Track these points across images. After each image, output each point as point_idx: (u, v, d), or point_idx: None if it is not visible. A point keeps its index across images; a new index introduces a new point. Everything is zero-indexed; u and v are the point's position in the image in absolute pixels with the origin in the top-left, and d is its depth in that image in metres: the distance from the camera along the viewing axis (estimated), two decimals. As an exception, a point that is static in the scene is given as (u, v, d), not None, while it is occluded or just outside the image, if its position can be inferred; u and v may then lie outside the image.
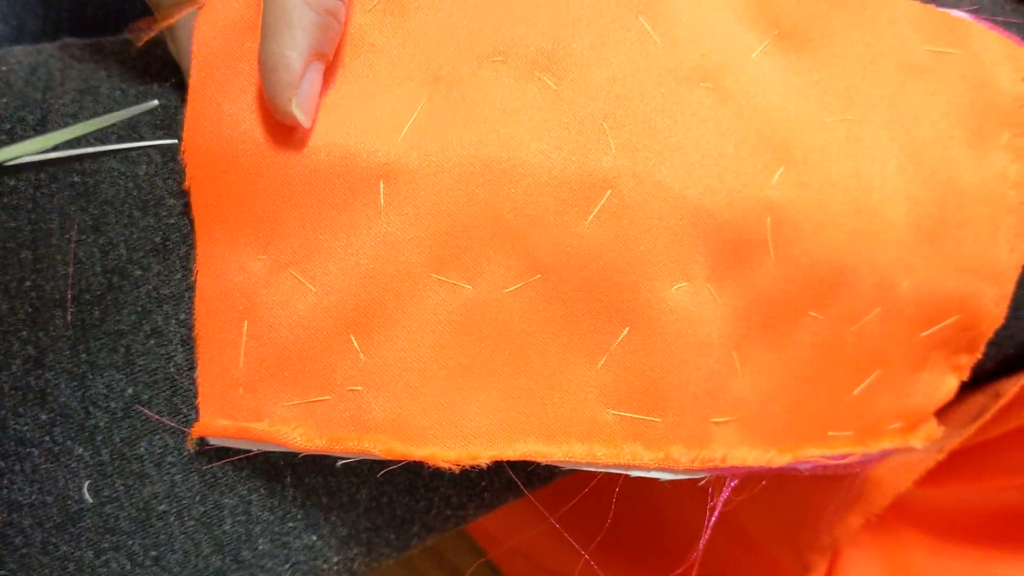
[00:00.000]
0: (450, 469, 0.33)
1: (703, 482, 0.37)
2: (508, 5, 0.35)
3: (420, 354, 0.33)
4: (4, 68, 0.38)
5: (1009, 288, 0.41)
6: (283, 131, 0.33)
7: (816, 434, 0.39)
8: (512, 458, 0.34)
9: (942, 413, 0.48)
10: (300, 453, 0.36)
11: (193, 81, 0.35)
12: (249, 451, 0.35)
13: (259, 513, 0.36)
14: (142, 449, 0.35)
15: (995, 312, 0.41)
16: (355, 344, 0.33)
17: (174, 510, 0.35)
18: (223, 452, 0.35)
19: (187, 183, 0.34)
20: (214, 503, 0.35)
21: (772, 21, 0.37)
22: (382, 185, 0.33)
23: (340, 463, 0.36)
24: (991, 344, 0.43)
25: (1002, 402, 0.45)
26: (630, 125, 0.33)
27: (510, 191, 0.33)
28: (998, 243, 0.40)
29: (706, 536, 0.38)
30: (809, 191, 0.35)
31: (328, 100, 0.34)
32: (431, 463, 0.33)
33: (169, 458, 0.35)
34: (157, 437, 0.35)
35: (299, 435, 0.33)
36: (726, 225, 0.34)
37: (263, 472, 0.36)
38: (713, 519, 0.38)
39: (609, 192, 0.33)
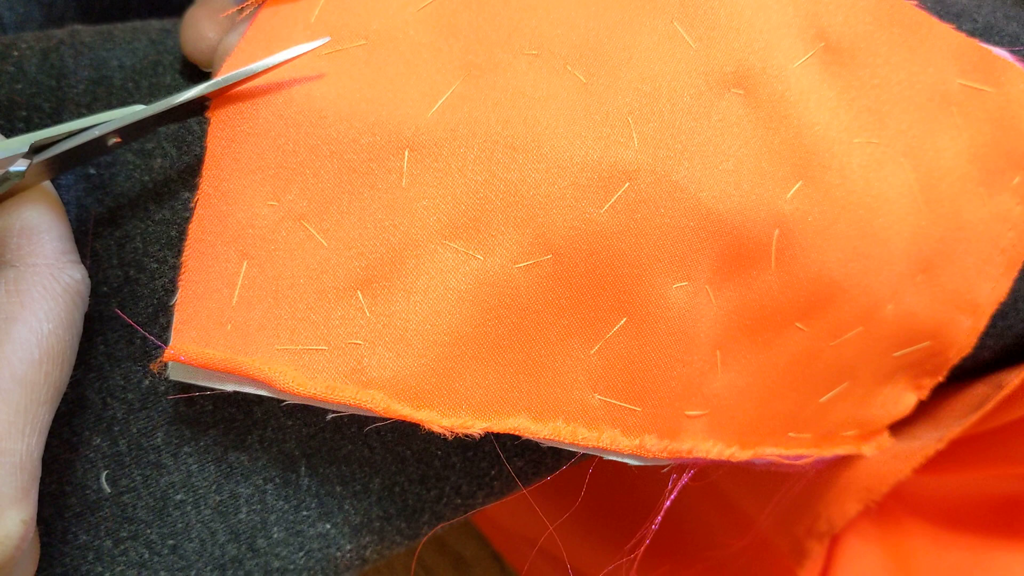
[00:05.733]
0: (443, 435, 0.33)
1: (666, 469, 0.39)
2: (549, 9, 0.35)
3: (425, 317, 0.33)
4: (16, 54, 0.38)
5: (983, 322, 0.42)
6: (313, 96, 0.34)
7: (777, 434, 0.40)
8: (502, 431, 0.34)
9: (943, 404, 0.48)
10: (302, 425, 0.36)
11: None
12: (222, 389, 0.34)
13: (274, 502, 0.36)
14: (159, 439, 0.35)
15: (965, 342, 0.42)
16: (361, 300, 0.33)
17: (191, 499, 0.35)
18: (190, 389, 0.34)
19: (209, 112, 0.34)
20: (230, 492, 0.36)
21: (820, 33, 0.37)
22: (407, 154, 0.33)
23: (330, 416, 0.36)
24: (990, 335, 0.44)
25: (1004, 393, 0.45)
26: (655, 122, 0.34)
27: (530, 171, 0.33)
28: (984, 279, 0.41)
29: (659, 518, 0.40)
30: (821, 209, 0.36)
31: (362, 80, 0.34)
32: (427, 426, 0.33)
33: (186, 448, 0.35)
34: (174, 428, 0.35)
35: (291, 378, 0.33)
36: (734, 231, 0.34)
37: (278, 462, 0.36)
38: (668, 503, 0.39)
39: (627, 184, 0.33)
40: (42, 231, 0.32)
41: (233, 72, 0.33)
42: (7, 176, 0.32)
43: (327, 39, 0.34)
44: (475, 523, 0.72)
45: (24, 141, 0.32)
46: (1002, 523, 0.56)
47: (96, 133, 0.32)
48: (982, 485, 0.57)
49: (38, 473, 0.30)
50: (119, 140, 0.33)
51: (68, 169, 0.34)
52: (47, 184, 0.33)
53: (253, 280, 0.34)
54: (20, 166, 0.32)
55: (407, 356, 0.33)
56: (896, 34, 0.39)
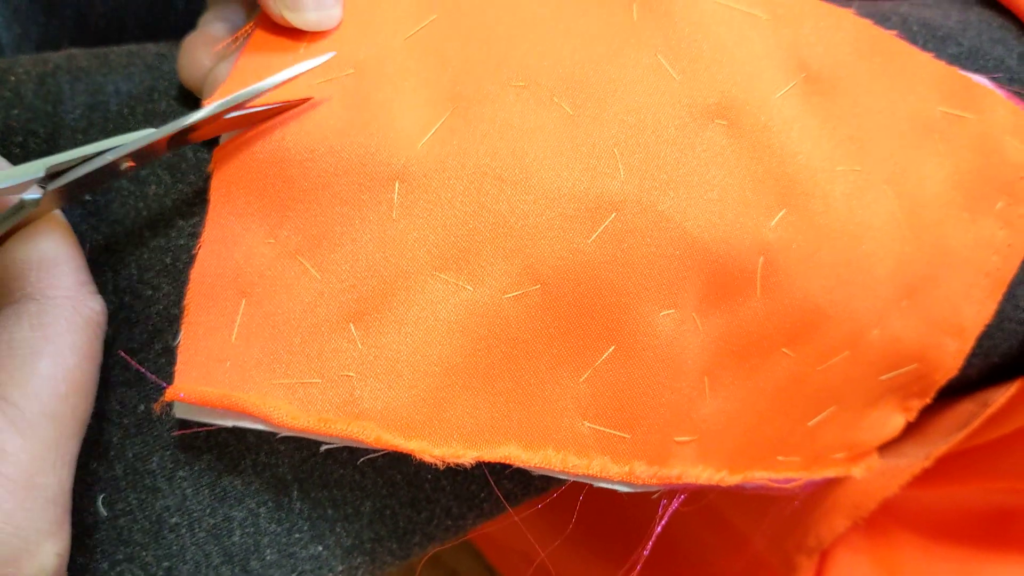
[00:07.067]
0: (434, 465, 0.34)
1: (656, 495, 0.39)
2: (536, 42, 0.36)
3: (416, 348, 0.33)
4: (13, 78, 0.39)
5: (969, 344, 0.42)
6: (305, 129, 0.34)
7: (767, 458, 0.41)
8: (493, 460, 0.35)
9: (930, 420, 0.49)
10: (302, 462, 0.37)
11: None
12: (223, 425, 0.34)
13: (267, 525, 0.36)
14: (154, 464, 0.35)
15: (952, 364, 0.43)
16: (354, 332, 0.34)
17: (185, 522, 0.35)
18: (192, 423, 0.35)
19: (211, 167, 0.35)
20: (224, 516, 0.36)
21: (801, 64, 0.38)
22: (397, 185, 0.34)
23: (324, 448, 0.36)
24: (976, 354, 0.44)
25: (990, 411, 0.46)
26: (640, 154, 0.34)
27: (519, 202, 0.33)
28: (970, 303, 0.42)
29: (650, 544, 0.40)
30: (805, 237, 0.36)
31: (351, 110, 0.35)
32: (418, 456, 0.34)
33: (180, 472, 0.36)
34: (169, 452, 0.35)
35: (285, 412, 0.33)
36: (720, 259, 0.35)
37: (271, 486, 0.36)
38: (659, 528, 0.39)
39: (613, 215, 0.33)
40: (60, 263, 0.32)
41: (247, 88, 0.34)
42: (22, 205, 0.32)
43: (333, 53, 0.35)
44: (469, 538, 0.73)
45: (40, 166, 0.32)
46: (991, 535, 0.57)
47: (109, 158, 0.32)
48: (970, 498, 0.57)
49: (69, 506, 0.31)
50: (132, 164, 0.33)
51: (81, 196, 0.33)
52: (58, 213, 0.33)
53: (251, 317, 0.34)
54: (35, 194, 0.32)
55: (398, 387, 0.33)
56: (877, 63, 0.39)
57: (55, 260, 0.32)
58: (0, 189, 0.31)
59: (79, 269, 0.32)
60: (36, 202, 0.32)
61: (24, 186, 0.32)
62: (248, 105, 0.34)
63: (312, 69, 0.35)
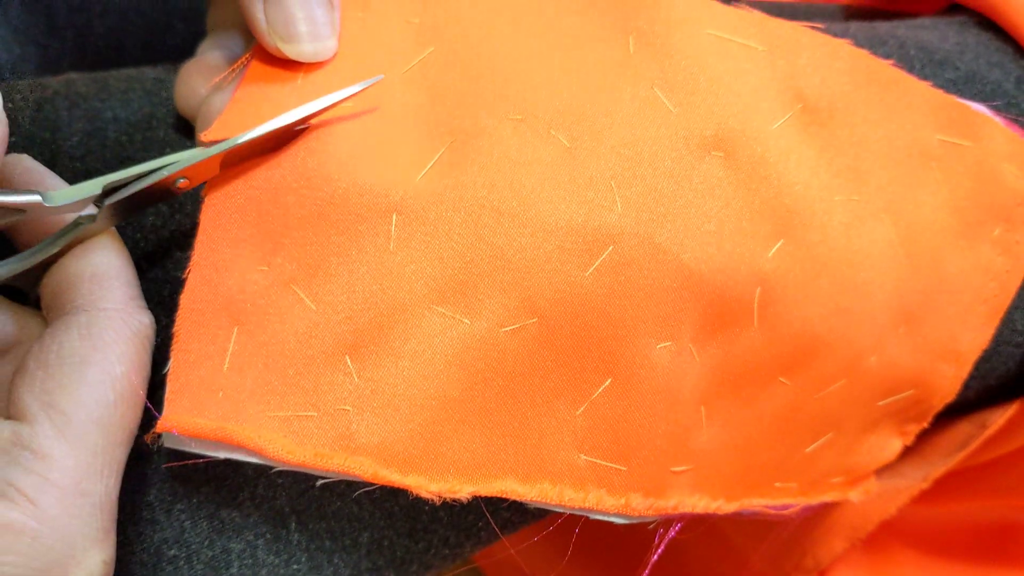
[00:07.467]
0: (431, 500, 0.34)
1: (652, 526, 0.39)
2: (532, 75, 0.36)
3: (413, 382, 0.33)
4: (10, 105, 0.39)
5: (966, 370, 0.42)
6: (300, 157, 0.34)
7: (764, 485, 0.41)
8: (490, 495, 0.34)
9: (928, 441, 0.49)
10: (285, 474, 0.37)
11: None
12: (215, 457, 0.34)
13: (265, 557, 0.36)
14: (152, 496, 0.35)
15: (949, 389, 0.43)
16: (350, 365, 0.33)
17: (183, 555, 0.35)
18: (183, 455, 0.34)
19: (204, 192, 0.35)
20: (222, 548, 0.36)
21: (797, 95, 0.38)
22: (395, 217, 0.33)
23: (320, 482, 0.36)
24: (973, 377, 0.44)
25: (988, 433, 0.46)
26: (637, 186, 0.34)
27: (516, 235, 0.33)
28: (967, 329, 0.42)
29: (647, 572, 0.40)
30: (802, 267, 0.36)
31: (349, 142, 0.35)
32: (415, 492, 0.33)
33: (179, 505, 0.36)
34: (167, 485, 0.35)
35: (281, 446, 0.33)
36: (717, 290, 0.35)
37: (269, 518, 0.36)
38: (655, 557, 0.39)
39: (611, 248, 0.34)
40: (112, 277, 0.32)
41: (304, 107, 0.34)
42: (79, 221, 0.32)
43: (381, 76, 0.35)
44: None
45: (96, 184, 0.32)
46: (990, 550, 0.57)
47: (164, 174, 0.33)
48: (969, 514, 0.57)
49: (115, 514, 0.31)
50: (187, 183, 0.33)
51: (136, 213, 0.34)
52: (112, 229, 0.34)
53: (244, 346, 0.34)
54: (91, 211, 0.32)
55: (395, 421, 0.33)
56: (873, 93, 0.39)
57: (107, 274, 0.33)
58: (58, 207, 0.32)
59: (130, 283, 0.33)
60: (92, 218, 0.32)
61: (81, 204, 0.32)
62: (300, 125, 0.34)
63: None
